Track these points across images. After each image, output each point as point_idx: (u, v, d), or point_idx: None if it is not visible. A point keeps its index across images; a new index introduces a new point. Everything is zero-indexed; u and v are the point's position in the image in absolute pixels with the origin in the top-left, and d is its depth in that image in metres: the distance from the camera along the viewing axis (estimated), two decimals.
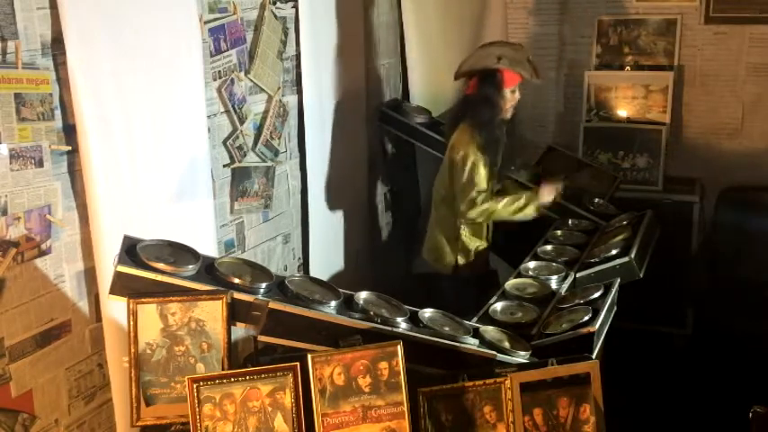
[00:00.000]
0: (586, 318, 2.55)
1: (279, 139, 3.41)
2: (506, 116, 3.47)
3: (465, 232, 3.54)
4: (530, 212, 3.43)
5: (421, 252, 3.80)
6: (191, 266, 2.17)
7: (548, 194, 3.47)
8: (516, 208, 3.41)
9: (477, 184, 3.36)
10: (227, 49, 3.03)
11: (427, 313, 2.42)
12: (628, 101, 4.72)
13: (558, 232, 3.59)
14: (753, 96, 4.60)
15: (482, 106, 3.41)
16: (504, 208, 3.40)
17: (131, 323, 2.09)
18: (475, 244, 3.57)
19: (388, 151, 4.46)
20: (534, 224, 3.68)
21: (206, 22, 2.90)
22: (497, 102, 3.40)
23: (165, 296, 2.11)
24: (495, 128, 3.43)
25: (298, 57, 3.48)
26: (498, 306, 2.83)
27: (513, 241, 3.76)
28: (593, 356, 2.32)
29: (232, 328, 2.16)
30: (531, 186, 3.66)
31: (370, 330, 2.20)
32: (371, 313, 2.27)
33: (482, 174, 3.38)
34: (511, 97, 3.43)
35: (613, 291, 2.76)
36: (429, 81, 4.42)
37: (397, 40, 4.44)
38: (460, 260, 3.57)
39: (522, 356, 2.41)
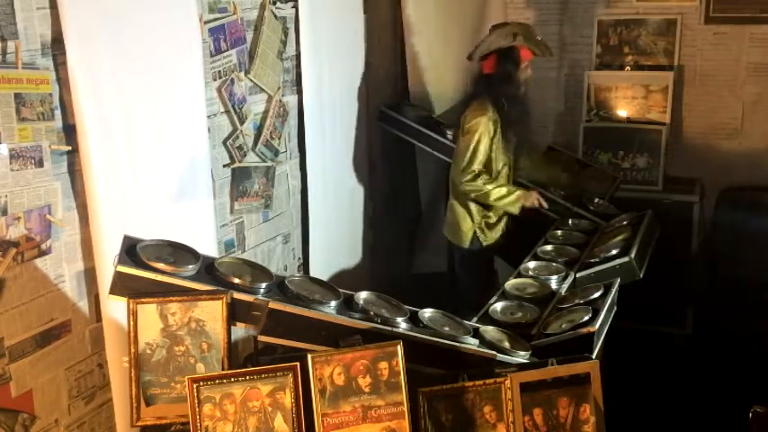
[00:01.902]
0: (586, 318, 2.55)
1: (279, 139, 3.41)
2: (521, 91, 3.64)
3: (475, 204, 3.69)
4: (512, 209, 3.63)
5: (421, 252, 3.82)
6: (191, 266, 2.17)
7: (531, 200, 3.63)
8: (503, 199, 3.58)
9: (477, 156, 3.51)
10: (227, 49, 3.03)
11: (427, 313, 2.42)
12: (628, 101, 4.72)
13: (558, 232, 3.59)
14: (753, 96, 4.60)
15: (505, 83, 3.57)
16: (494, 193, 3.56)
17: (131, 323, 2.09)
18: (485, 215, 3.70)
19: (387, 151, 4.46)
20: (534, 224, 3.68)
21: (206, 22, 2.90)
22: (518, 78, 3.59)
23: (165, 296, 2.11)
24: (519, 103, 3.61)
25: (298, 57, 3.48)
26: (498, 306, 2.83)
27: (513, 241, 3.76)
28: (593, 356, 2.32)
29: (232, 328, 2.16)
30: (530, 186, 3.80)
31: (370, 330, 2.20)
32: (371, 313, 2.27)
33: (484, 149, 3.52)
34: (524, 73, 3.61)
35: (613, 291, 2.76)
36: (429, 81, 4.41)
37: (397, 40, 4.44)
38: (478, 233, 3.73)
39: (522, 356, 2.41)
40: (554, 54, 4.87)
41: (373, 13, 4.15)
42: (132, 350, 2.10)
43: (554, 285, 3.04)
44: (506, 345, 2.43)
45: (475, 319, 2.73)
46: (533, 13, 4.95)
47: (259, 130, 3.28)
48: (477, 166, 3.54)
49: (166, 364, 2.12)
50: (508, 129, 3.59)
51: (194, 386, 1.98)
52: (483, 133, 3.51)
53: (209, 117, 2.92)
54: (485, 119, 3.53)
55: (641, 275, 3.11)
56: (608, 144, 4.71)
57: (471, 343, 2.35)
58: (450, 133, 4.07)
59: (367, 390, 2.05)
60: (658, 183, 4.60)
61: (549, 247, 3.42)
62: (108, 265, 2.28)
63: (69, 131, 2.35)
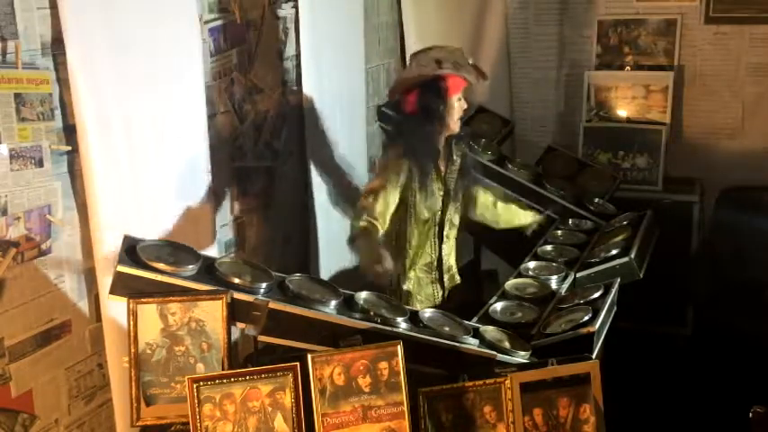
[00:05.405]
0: (586, 318, 2.55)
1: (279, 139, 3.41)
2: (454, 129, 3.06)
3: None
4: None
5: None
6: (191, 266, 2.17)
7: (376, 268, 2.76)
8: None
9: (376, 202, 2.89)
10: (227, 49, 3.03)
11: (427, 313, 2.42)
12: (628, 101, 4.72)
13: (558, 232, 3.59)
14: (753, 96, 4.59)
15: (424, 121, 2.98)
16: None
17: (131, 323, 2.10)
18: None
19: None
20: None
21: (206, 22, 2.90)
22: (443, 114, 2.98)
23: (165, 296, 2.11)
24: (436, 145, 3.04)
25: (298, 57, 3.48)
26: (498, 306, 2.83)
27: (513, 241, 3.76)
28: (593, 356, 2.32)
29: (232, 328, 2.16)
30: (538, 211, 3.50)
31: (370, 330, 2.21)
32: (371, 313, 2.27)
33: (387, 199, 2.92)
34: (458, 106, 3.02)
35: (613, 291, 2.76)
36: None
37: (397, 40, 4.44)
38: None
39: (522, 356, 2.41)
40: (553, 55, 4.92)
41: (373, 13, 4.15)
42: (132, 350, 2.10)
43: (554, 285, 3.04)
44: (506, 345, 2.43)
45: (475, 319, 2.73)
46: (533, 13, 4.95)
47: (259, 130, 3.28)
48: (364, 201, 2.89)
49: (166, 364, 2.12)
50: (423, 178, 2.97)
51: (194, 386, 1.98)
52: (389, 181, 2.93)
53: (209, 117, 2.92)
54: (394, 164, 2.95)
55: (641, 275, 3.11)
56: (608, 144, 4.71)
57: (471, 343, 2.36)
58: None
59: (367, 390, 2.05)
60: (658, 183, 4.60)
61: (549, 247, 3.42)
62: (108, 265, 2.28)
63: (69, 131, 2.35)
